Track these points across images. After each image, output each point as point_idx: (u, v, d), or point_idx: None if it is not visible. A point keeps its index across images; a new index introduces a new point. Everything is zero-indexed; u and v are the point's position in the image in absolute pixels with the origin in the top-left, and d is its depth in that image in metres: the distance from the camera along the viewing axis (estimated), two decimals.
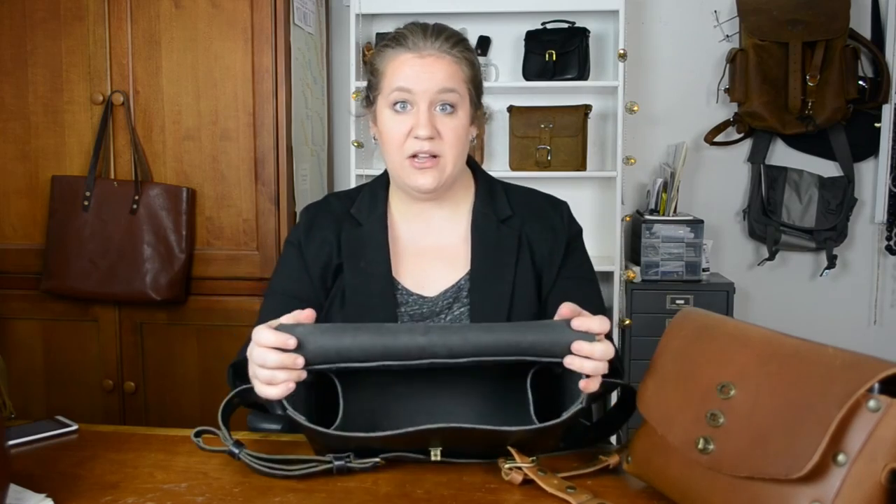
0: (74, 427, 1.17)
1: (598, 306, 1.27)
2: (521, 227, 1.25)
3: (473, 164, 1.33)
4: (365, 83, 1.28)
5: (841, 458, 0.70)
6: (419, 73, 1.16)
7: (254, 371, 0.96)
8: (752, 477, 0.76)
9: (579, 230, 1.32)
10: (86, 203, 2.27)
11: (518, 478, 0.94)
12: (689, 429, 0.84)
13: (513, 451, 0.97)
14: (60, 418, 1.20)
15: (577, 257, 1.29)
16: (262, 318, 1.21)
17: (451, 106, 1.18)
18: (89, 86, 2.32)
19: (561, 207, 1.31)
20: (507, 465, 0.95)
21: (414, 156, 1.18)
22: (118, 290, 2.25)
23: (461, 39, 1.23)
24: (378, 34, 2.80)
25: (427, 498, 0.92)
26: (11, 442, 1.09)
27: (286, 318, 0.97)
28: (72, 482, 0.97)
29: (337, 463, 0.96)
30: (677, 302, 2.60)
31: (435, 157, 1.18)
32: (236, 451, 0.99)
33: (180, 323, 2.33)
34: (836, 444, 0.70)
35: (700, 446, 0.81)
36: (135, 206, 2.26)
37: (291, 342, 0.93)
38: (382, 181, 1.31)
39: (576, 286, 1.26)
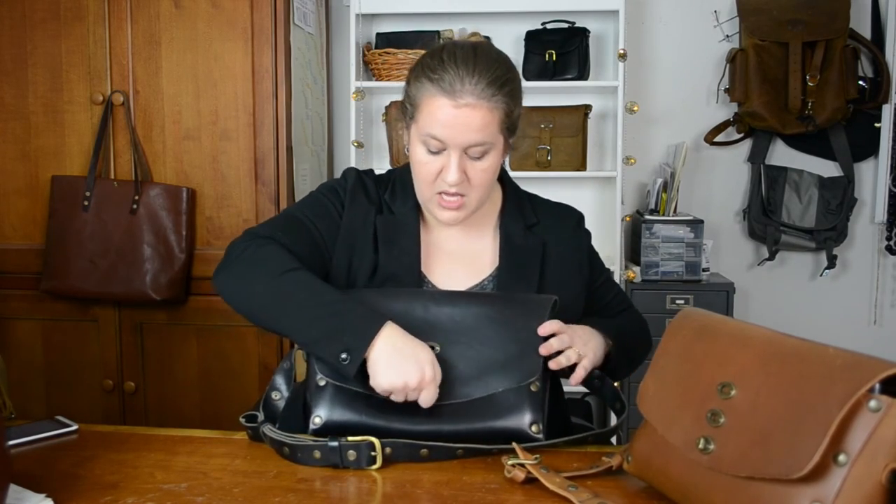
0: (74, 427, 1.17)
1: (622, 296, 1.43)
2: (544, 233, 1.30)
3: (503, 176, 1.36)
4: (402, 97, 1.27)
5: (841, 458, 0.70)
6: (453, 125, 1.14)
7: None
8: (752, 477, 0.76)
9: (589, 233, 1.38)
10: (86, 203, 2.27)
11: (521, 475, 0.94)
12: (689, 429, 0.84)
13: (517, 448, 0.97)
14: (60, 418, 1.20)
15: (597, 263, 1.39)
16: (266, 231, 1.20)
17: (483, 153, 1.19)
18: (89, 86, 2.32)
19: (576, 216, 1.37)
20: (510, 462, 0.95)
21: (439, 193, 1.20)
22: (118, 290, 2.25)
23: (503, 83, 1.18)
24: (378, 34, 2.80)
25: (427, 498, 0.92)
26: (11, 442, 1.09)
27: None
28: (72, 482, 0.97)
29: (332, 443, 1.00)
30: (677, 302, 2.60)
31: (462, 196, 1.20)
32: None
33: (180, 323, 2.33)
34: (836, 443, 0.70)
35: (700, 446, 0.81)
36: (135, 206, 2.26)
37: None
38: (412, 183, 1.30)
39: (606, 290, 1.39)
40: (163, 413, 2.36)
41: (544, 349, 1.11)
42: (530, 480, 0.94)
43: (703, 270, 2.67)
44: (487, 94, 1.15)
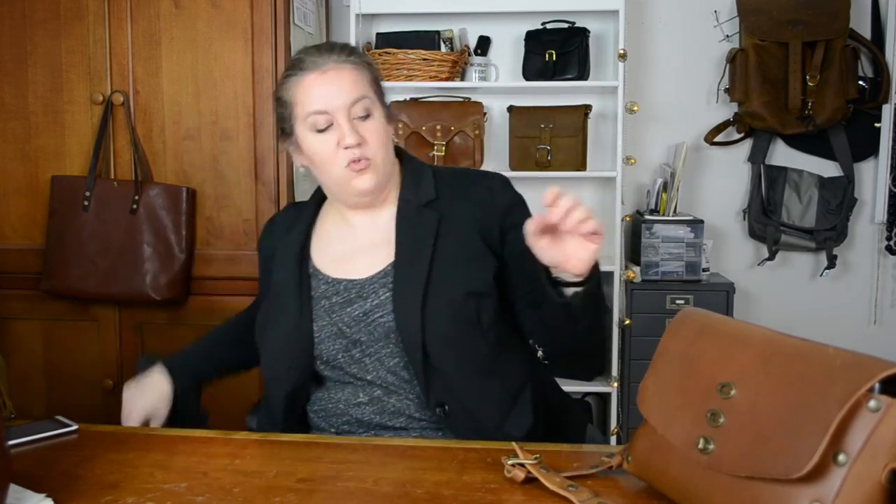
0: (74, 427, 1.17)
1: None
2: (444, 209, 1.27)
3: (399, 153, 1.36)
4: (274, 117, 1.35)
5: (841, 458, 0.70)
6: (327, 91, 1.21)
7: None
8: (752, 477, 0.75)
9: (517, 199, 1.31)
10: (86, 203, 2.27)
11: (521, 475, 0.94)
12: (689, 429, 0.84)
13: (517, 447, 0.97)
14: (60, 418, 1.20)
15: (521, 230, 1.27)
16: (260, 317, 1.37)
17: (367, 111, 1.23)
18: (89, 86, 2.31)
19: (490, 181, 1.32)
20: (510, 462, 0.95)
21: (347, 165, 1.22)
22: (118, 290, 2.25)
23: (353, 48, 1.28)
24: (378, 34, 2.80)
25: (427, 498, 0.92)
26: (11, 442, 1.09)
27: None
28: (72, 482, 0.97)
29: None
30: (677, 302, 2.60)
31: (367, 159, 1.22)
32: None
33: (180, 323, 2.33)
34: (836, 443, 0.70)
35: (700, 446, 0.81)
36: (135, 206, 2.26)
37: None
38: (316, 196, 1.38)
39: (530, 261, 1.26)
40: None
41: (551, 203, 1.01)
42: (530, 480, 0.94)
43: (703, 270, 2.67)
44: (345, 56, 1.24)
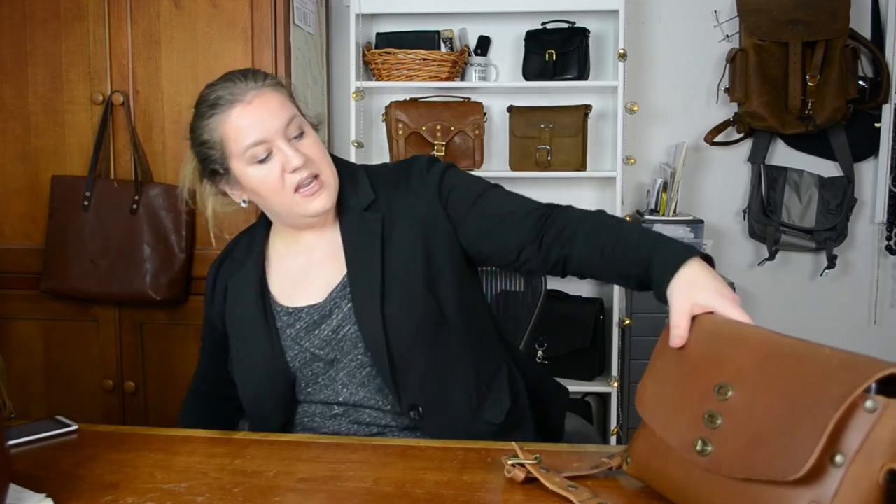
0: (74, 427, 1.17)
1: (519, 202, 1.23)
2: (385, 207, 1.25)
3: (333, 160, 1.33)
4: (195, 164, 1.27)
5: (838, 458, 0.70)
6: (259, 119, 1.17)
7: None
8: (749, 479, 0.75)
9: (442, 168, 1.28)
10: (86, 203, 2.27)
11: (521, 475, 0.94)
12: (687, 430, 0.84)
13: (517, 447, 0.97)
14: (60, 418, 1.20)
15: (459, 191, 1.25)
16: (197, 368, 1.45)
17: (300, 129, 1.20)
18: (89, 86, 2.31)
19: (416, 165, 1.29)
20: (510, 462, 0.95)
21: (297, 189, 1.19)
22: (118, 290, 2.25)
23: (263, 72, 1.24)
24: (378, 34, 2.80)
25: (427, 498, 0.92)
26: (11, 442, 1.09)
27: None
28: (72, 482, 0.97)
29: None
30: None
31: (316, 177, 1.20)
32: None
33: (180, 323, 2.33)
34: (833, 444, 0.70)
35: (698, 448, 0.81)
36: (135, 206, 2.26)
37: None
38: (260, 224, 1.35)
39: (492, 204, 1.23)
40: (163, 413, 2.36)
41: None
42: (530, 480, 0.94)
43: None
44: (261, 81, 1.20)
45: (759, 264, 2.89)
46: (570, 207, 1.21)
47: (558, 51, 2.72)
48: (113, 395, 2.37)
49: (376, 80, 2.77)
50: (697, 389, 0.85)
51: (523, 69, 2.78)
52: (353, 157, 2.71)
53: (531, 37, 2.77)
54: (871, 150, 2.84)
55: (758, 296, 2.93)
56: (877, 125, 2.79)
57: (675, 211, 2.70)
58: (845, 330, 2.89)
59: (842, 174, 2.82)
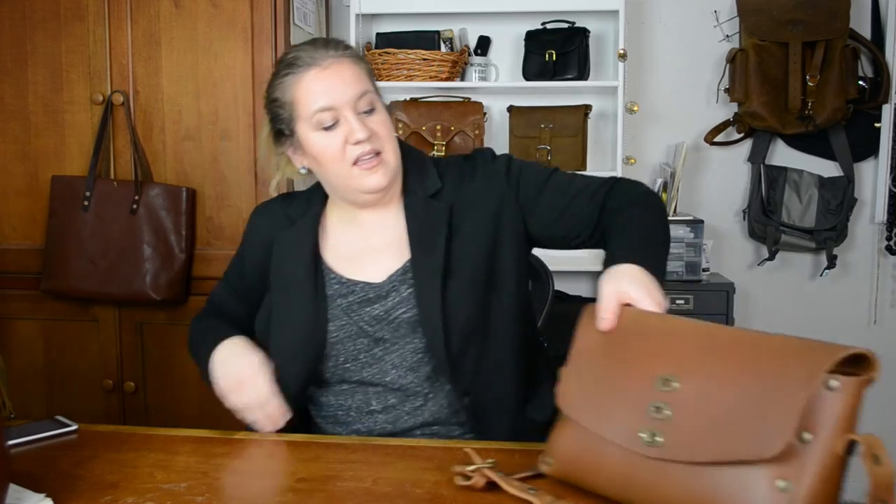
0: (74, 427, 1.17)
1: (592, 179, 1.26)
2: (452, 197, 1.25)
3: (402, 147, 1.32)
4: (268, 119, 1.27)
5: (806, 436, 0.74)
6: (331, 86, 1.18)
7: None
8: (713, 462, 0.78)
9: (508, 156, 1.30)
10: (86, 203, 2.27)
11: (482, 481, 0.92)
12: (629, 424, 0.85)
13: (470, 451, 0.95)
14: (60, 418, 1.20)
15: (529, 174, 1.27)
16: (216, 292, 1.44)
17: (371, 105, 1.20)
18: (89, 86, 2.31)
19: (477, 158, 1.30)
20: (466, 469, 0.93)
21: (355, 162, 1.18)
22: (118, 290, 2.25)
23: (347, 44, 1.25)
24: (378, 34, 2.80)
25: (427, 498, 0.92)
26: (11, 442, 1.09)
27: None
28: (72, 482, 0.97)
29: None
30: (677, 302, 2.60)
31: (377, 154, 1.19)
32: None
33: (180, 323, 2.33)
34: (800, 423, 0.74)
35: (647, 439, 0.83)
36: (135, 206, 2.26)
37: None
38: (319, 191, 1.33)
39: (561, 187, 1.25)
40: (163, 413, 2.36)
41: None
42: (490, 486, 0.92)
43: (703, 270, 2.67)
44: (342, 51, 1.21)
45: (759, 264, 2.89)
46: (624, 184, 1.24)
47: (558, 51, 2.72)
48: (113, 395, 2.37)
49: (376, 80, 2.76)
50: (634, 383, 0.87)
51: (523, 69, 2.78)
52: None
53: (531, 37, 2.77)
54: (871, 150, 2.83)
55: (758, 296, 2.93)
56: (877, 125, 2.79)
57: (675, 211, 2.70)
58: (845, 330, 2.88)
59: (842, 174, 2.82)
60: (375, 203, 1.26)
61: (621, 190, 1.22)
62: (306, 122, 1.19)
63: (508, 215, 1.24)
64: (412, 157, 1.30)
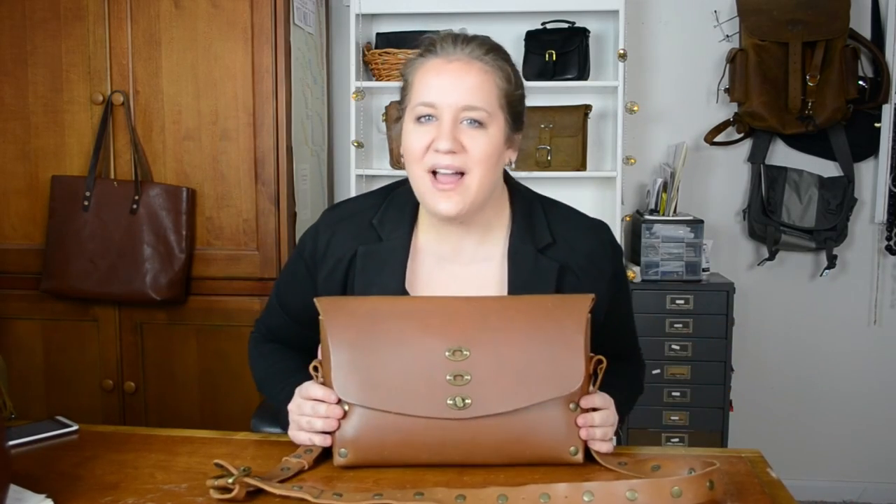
0: (74, 427, 1.17)
1: (633, 336, 1.33)
2: (562, 257, 1.17)
3: (511, 183, 1.24)
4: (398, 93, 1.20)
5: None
6: (443, 83, 1.09)
7: (294, 418, 1.07)
8: (526, 406, 0.97)
9: (621, 253, 1.26)
10: (86, 203, 2.27)
11: (243, 492, 0.91)
12: (434, 395, 0.97)
13: (225, 463, 0.94)
14: (60, 418, 1.20)
15: (624, 293, 1.25)
16: (264, 321, 1.34)
17: (480, 123, 1.09)
18: (89, 86, 2.31)
19: (601, 233, 1.22)
20: (217, 482, 0.91)
21: (434, 173, 1.09)
22: (118, 290, 2.25)
23: (496, 47, 1.14)
24: (378, 34, 2.80)
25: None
26: (11, 442, 1.09)
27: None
28: (72, 482, 0.97)
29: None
30: (677, 302, 2.60)
31: (460, 174, 1.09)
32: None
33: (180, 323, 2.33)
34: None
35: (458, 404, 0.96)
36: (135, 206, 2.26)
37: (333, 397, 1.01)
38: (412, 200, 1.19)
39: (622, 325, 1.27)
40: (163, 413, 2.36)
41: (583, 423, 1.00)
42: (253, 493, 0.92)
43: (703, 270, 2.67)
44: (479, 54, 1.11)
45: (759, 264, 2.89)
46: (636, 365, 1.32)
47: (558, 51, 2.72)
48: (113, 395, 2.37)
49: (376, 80, 2.76)
50: (421, 359, 0.98)
51: (523, 69, 2.77)
52: (353, 156, 2.71)
53: (531, 37, 2.77)
54: (871, 150, 2.84)
55: (758, 296, 2.93)
56: (877, 125, 2.79)
57: (675, 211, 2.70)
58: (845, 330, 2.89)
59: (842, 174, 2.82)
60: (458, 225, 1.16)
61: (635, 367, 1.32)
62: (410, 110, 1.12)
63: (598, 309, 1.13)
64: (521, 196, 1.21)
